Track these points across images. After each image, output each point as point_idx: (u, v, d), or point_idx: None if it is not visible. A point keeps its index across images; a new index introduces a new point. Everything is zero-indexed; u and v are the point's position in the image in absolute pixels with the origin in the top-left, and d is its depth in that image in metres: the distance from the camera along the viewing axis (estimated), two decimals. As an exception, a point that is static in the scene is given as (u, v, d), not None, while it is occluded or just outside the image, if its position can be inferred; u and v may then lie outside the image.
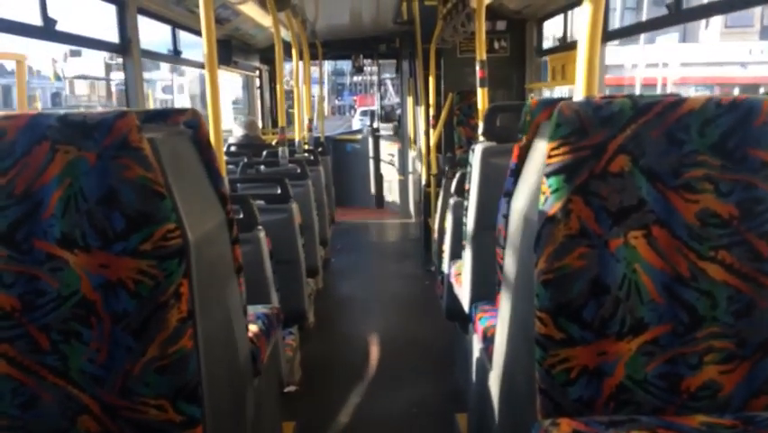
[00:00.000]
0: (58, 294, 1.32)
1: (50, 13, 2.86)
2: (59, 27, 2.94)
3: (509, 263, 1.66)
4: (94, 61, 38.01)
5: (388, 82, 11.57)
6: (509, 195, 1.69)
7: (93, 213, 1.30)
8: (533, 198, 1.46)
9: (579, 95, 1.66)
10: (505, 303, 1.70)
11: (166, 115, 1.59)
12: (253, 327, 2.13)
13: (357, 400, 3.55)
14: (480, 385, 2.16)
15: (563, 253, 1.32)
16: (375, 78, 11.28)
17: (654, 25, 3.35)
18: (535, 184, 1.44)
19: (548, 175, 1.33)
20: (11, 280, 1.33)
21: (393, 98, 13.93)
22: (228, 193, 1.77)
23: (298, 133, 5.69)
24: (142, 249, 1.31)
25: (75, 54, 37.80)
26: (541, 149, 1.46)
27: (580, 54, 1.68)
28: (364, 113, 28.06)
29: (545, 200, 1.33)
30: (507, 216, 1.71)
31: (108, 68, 38.87)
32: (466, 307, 2.82)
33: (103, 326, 1.33)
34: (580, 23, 1.67)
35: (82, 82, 39.32)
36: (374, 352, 4.28)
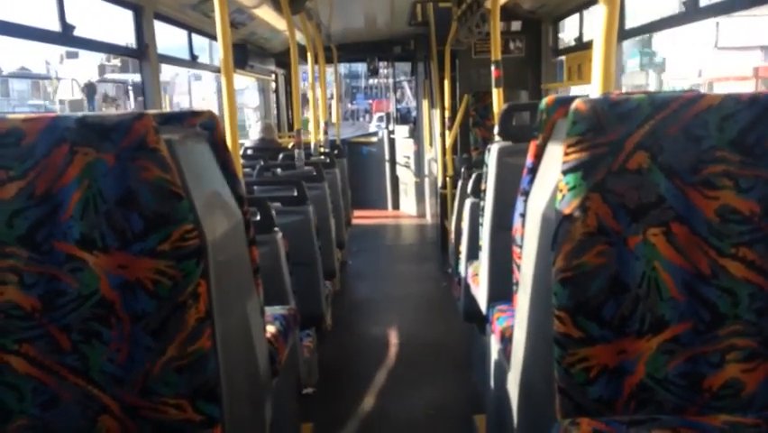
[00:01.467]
0: (78, 294, 1.34)
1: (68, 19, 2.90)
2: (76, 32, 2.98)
3: (527, 263, 1.65)
4: (90, 64, 36.97)
5: (405, 84, 11.54)
6: (526, 194, 1.68)
7: (111, 214, 1.31)
8: (550, 196, 1.45)
9: (595, 93, 1.65)
10: (522, 303, 1.69)
11: (183, 117, 1.60)
12: (271, 328, 2.13)
13: (374, 402, 3.55)
14: (499, 386, 2.15)
15: (581, 250, 1.31)
16: (391, 80, 11.27)
17: (672, 23, 3.32)
18: (552, 182, 1.43)
19: (565, 173, 1.32)
20: (31, 281, 1.34)
21: (411, 101, 13.87)
22: (245, 194, 1.77)
23: (314, 136, 5.71)
24: (160, 249, 1.31)
25: (71, 56, 36.97)
26: (557, 147, 1.45)
27: (596, 53, 1.67)
28: (381, 118, 27.73)
29: (563, 198, 1.32)
30: (523, 216, 1.70)
31: (102, 70, 37.78)
32: (483, 307, 2.81)
33: (122, 326, 1.34)
34: (596, 21, 1.66)
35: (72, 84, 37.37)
36: (391, 354, 4.28)
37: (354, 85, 40.49)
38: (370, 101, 38.96)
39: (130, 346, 1.35)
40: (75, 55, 36.43)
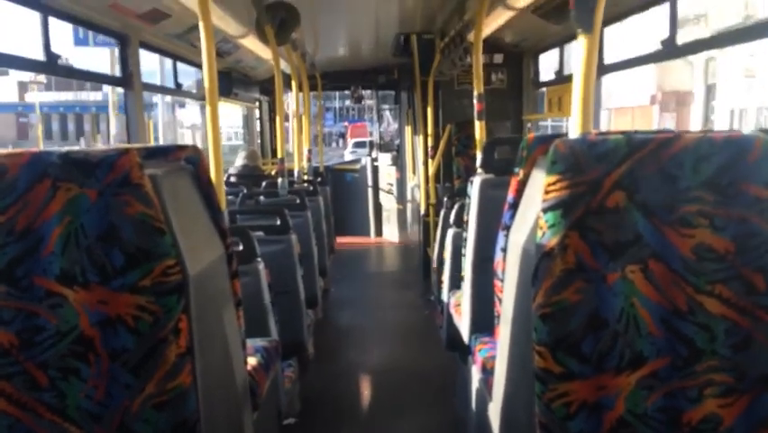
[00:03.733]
0: (56, 330, 1.33)
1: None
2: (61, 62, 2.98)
3: (508, 297, 1.66)
4: (8, 83, 34.15)
5: (388, 113, 11.63)
6: (507, 228, 1.70)
7: (92, 249, 1.31)
8: (530, 231, 1.47)
9: (574, 131, 1.68)
10: (504, 336, 1.70)
11: (167, 152, 1.61)
12: (252, 361, 2.12)
13: (356, 431, 3.52)
14: (480, 417, 2.15)
15: (561, 287, 1.32)
16: (370, 102, 11.33)
17: (649, 59, 3.40)
18: (532, 218, 1.45)
19: (545, 210, 1.35)
20: (9, 317, 1.33)
21: (391, 124, 13.88)
22: (228, 228, 1.78)
23: (298, 164, 5.72)
24: (141, 285, 1.31)
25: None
26: (538, 183, 1.48)
27: (575, 89, 1.71)
28: (358, 144, 25.86)
29: (542, 235, 1.34)
30: (505, 250, 1.72)
31: (23, 88, 34.70)
32: (466, 338, 2.81)
33: (101, 362, 1.33)
34: (576, 58, 1.70)
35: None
36: (374, 382, 4.26)
37: (327, 106, 37.19)
38: (346, 123, 37.44)
39: (108, 383, 1.33)
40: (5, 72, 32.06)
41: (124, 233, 1.31)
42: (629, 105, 24.79)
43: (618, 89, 23.14)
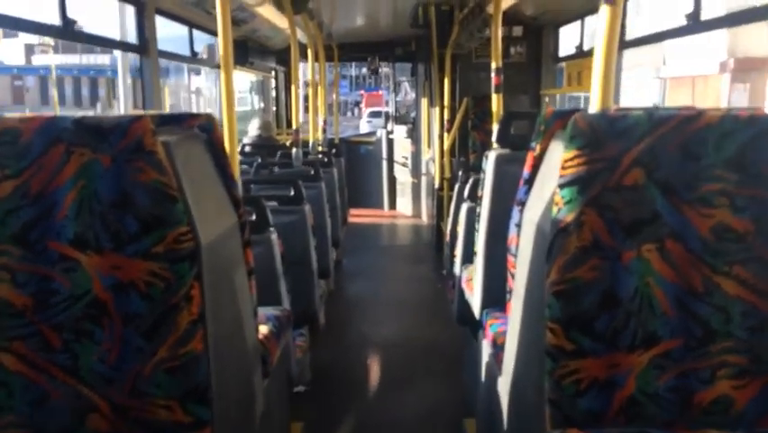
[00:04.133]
0: (70, 294, 1.34)
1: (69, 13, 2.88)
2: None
3: (521, 272, 1.65)
4: (14, 46, 32.01)
5: (406, 83, 11.51)
6: (522, 204, 1.68)
7: (106, 215, 1.31)
8: (546, 208, 1.46)
9: (594, 105, 1.65)
10: (515, 312, 1.70)
11: (181, 119, 1.60)
12: (263, 329, 2.13)
13: (366, 402, 3.56)
14: (489, 392, 2.15)
15: (575, 264, 1.31)
16: (387, 69, 11.22)
17: (673, 34, 3.33)
18: (548, 194, 1.44)
19: (561, 186, 1.33)
20: (24, 280, 1.34)
21: (409, 93, 13.66)
22: (241, 196, 1.77)
23: (312, 135, 5.70)
24: (155, 251, 1.31)
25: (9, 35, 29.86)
26: (555, 159, 1.46)
27: (596, 63, 1.67)
28: (374, 114, 24.93)
29: (558, 211, 1.33)
30: (519, 225, 1.70)
31: (30, 50, 32.86)
32: (477, 312, 2.81)
33: (114, 326, 1.34)
34: (598, 30, 1.66)
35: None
36: (384, 354, 4.29)
37: (342, 73, 35.89)
38: (362, 92, 36.75)
39: (121, 347, 1.35)
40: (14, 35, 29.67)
41: (138, 199, 1.31)
42: (692, 73, 19.76)
43: (678, 54, 19.35)
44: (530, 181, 1.65)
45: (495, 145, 2.81)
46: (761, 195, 1.31)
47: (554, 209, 1.34)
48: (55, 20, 2.84)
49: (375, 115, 24.11)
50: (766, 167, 1.31)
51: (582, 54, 5.16)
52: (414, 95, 10.40)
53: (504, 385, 1.85)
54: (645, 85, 20.75)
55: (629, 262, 1.31)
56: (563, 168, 1.33)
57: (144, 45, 3.60)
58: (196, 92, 31.54)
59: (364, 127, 22.32)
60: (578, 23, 5.22)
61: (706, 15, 2.91)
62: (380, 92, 31.10)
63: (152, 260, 1.32)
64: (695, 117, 1.32)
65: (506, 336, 1.84)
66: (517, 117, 2.86)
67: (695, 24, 2.95)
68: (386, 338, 4.56)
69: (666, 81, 21.28)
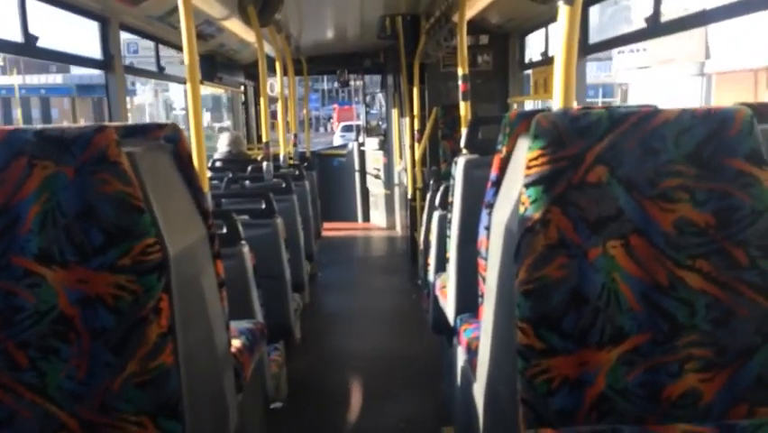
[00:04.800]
0: (35, 310, 1.31)
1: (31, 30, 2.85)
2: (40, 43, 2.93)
3: (491, 275, 1.66)
4: None
5: (380, 95, 11.56)
6: (490, 206, 1.69)
7: (71, 228, 1.29)
8: (513, 208, 1.47)
9: (556, 106, 1.67)
10: (487, 314, 1.70)
11: (146, 130, 1.59)
12: (236, 343, 2.11)
13: (344, 415, 3.53)
14: (465, 397, 2.15)
15: (543, 263, 1.32)
16: (359, 82, 11.22)
17: (633, 38, 3.40)
18: (516, 195, 1.45)
19: (527, 186, 1.34)
20: None
21: (383, 106, 13.67)
22: (209, 207, 1.76)
23: (283, 148, 5.69)
24: (121, 264, 1.30)
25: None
26: (520, 160, 1.47)
27: (557, 68, 1.70)
28: (347, 128, 24.46)
29: (525, 211, 1.34)
30: (488, 228, 1.71)
31: None
32: (451, 319, 2.81)
33: (81, 341, 1.31)
34: (558, 31, 1.69)
35: None
36: (361, 367, 4.26)
37: (314, 87, 34.79)
38: (335, 106, 36.38)
39: (89, 362, 1.32)
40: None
41: (102, 211, 1.29)
42: (751, 66, 15.97)
43: (727, 46, 16.14)
44: (497, 183, 1.66)
45: (464, 151, 2.83)
46: (720, 188, 1.33)
47: (521, 209, 1.35)
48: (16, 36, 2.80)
49: (348, 129, 23.82)
50: (724, 160, 1.33)
51: (547, 61, 5.23)
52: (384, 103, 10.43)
53: (479, 389, 1.85)
54: (682, 83, 18.00)
55: (595, 259, 1.33)
56: (528, 167, 1.34)
57: (109, 61, 3.56)
58: (138, 110, 29.40)
59: (338, 142, 21.93)
60: (542, 31, 5.30)
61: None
62: (352, 107, 30.93)
63: (119, 272, 1.30)
64: (653, 114, 1.35)
65: (479, 341, 1.84)
66: (484, 122, 2.88)
67: (655, 27, 3.01)
68: (363, 351, 4.54)
69: (712, 77, 18.04)
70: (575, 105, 1.69)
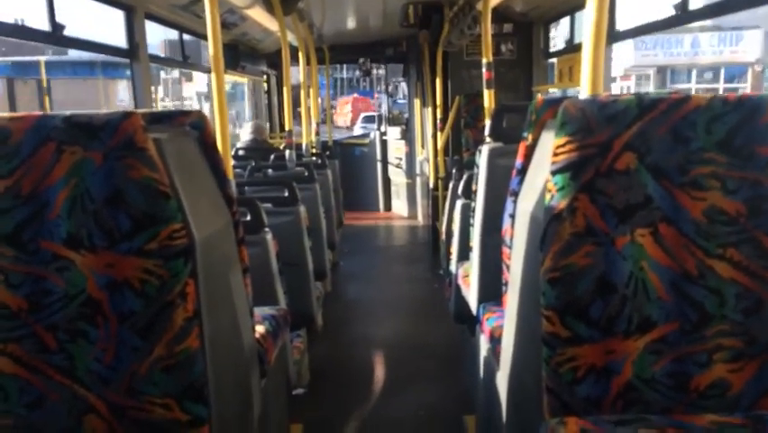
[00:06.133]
0: (64, 294, 1.33)
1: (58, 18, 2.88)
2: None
3: (516, 263, 1.65)
4: None
5: (404, 84, 11.52)
6: (515, 194, 1.68)
7: (99, 213, 1.31)
8: (539, 196, 1.46)
9: (584, 94, 1.65)
10: (512, 303, 1.70)
11: (172, 117, 1.60)
12: (260, 328, 2.13)
13: (365, 403, 3.55)
14: (488, 386, 2.15)
15: (569, 251, 1.31)
16: (382, 71, 11.16)
17: (663, 25, 3.34)
18: (541, 183, 1.44)
19: (554, 173, 1.33)
20: (18, 281, 1.33)
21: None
22: (234, 194, 1.77)
23: (306, 137, 5.70)
24: (148, 248, 1.31)
25: None
26: (546, 147, 1.46)
27: (585, 55, 1.68)
28: (368, 118, 23.38)
29: (551, 198, 1.33)
30: (513, 216, 1.70)
31: None
32: (474, 308, 2.81)
33: (109, 325, 1.33)
34: (585, 19, 1.67)
35: None
36: (382, 355, 4.28)
37: (334, 76, 34.09)
38: (356, 96, 35.94)
39: (117, 346, 1.34)
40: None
41: (130, 196, 1.30)
42: None
43: None
44: (523, 171, 1.65)
45: (488, 139, 2.82)
46: (751, 177, 1.31)
47: (547, 197, 1.34)
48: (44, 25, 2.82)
49: (370, 120, 22.49)
50: (756, 148, 1.31)
51: (573, 49, 5.17)
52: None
53: (502, 378, 1.84)
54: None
55: (623, 248, 1.31)
56: (555, 155, 1.33)
57: (134, 49, 3.59)
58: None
59: (358, 133, 21.26)
60: (567, 18, 5.24)
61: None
62: (367, 98, 29.84)
63: (146, 257, 1.31)
64: (684, 101, 1.33)
65: (502, 329, 1.83)
66: (509, 110, 2.86)
67: (684, 14, 2.96)
68: (384, 339, 4.55)
69: None
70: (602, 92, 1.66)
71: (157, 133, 1.39)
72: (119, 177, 1.30)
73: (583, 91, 1.66)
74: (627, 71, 23.40)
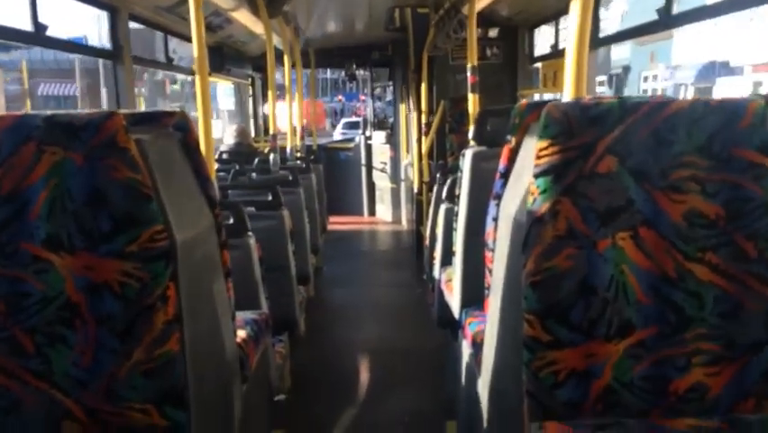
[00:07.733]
0: (43, 296, 1.31)
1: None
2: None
3: (498, 266, 1.65)
4: None
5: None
6: (498, 198, 1.68)
7: (79, 214, 1.29)
8: (522, 199, 1.46)
9: (567, 98, 1.66)
10: (493, 307, 1.69)
11: (155, 118, 1.58)
12: (242, 333, 2.11)
13: (347, 409, 3.53)
14: (470, 391, 2.15)
15: (551, 253, 1.31)
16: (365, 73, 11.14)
17: (644, 31, 3.37)
18: (524, 186, 1.44)
19: (536, 176, 1.33)
20: None
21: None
22: (217, 197, 1.75)
23: (290, 141, 5.68)
24: (128, 250, 1.29)
25: None
26: (530, 150, 1.46)
27: (568, 59, 1.69)
28: (350, 124, 22.24)
29: (534, 201, 1.33)
30: (496, 219, 1.70)
31: None
32: (456, 313, 2.81)
33: (87, 328, 1.31)
34: (570, 24, 1.68)
35: None
36: (365, 360, 4.27)
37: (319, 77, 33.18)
38: (340, 98, 35.54)
39: (95, 349, 1.32)
40: None
41: (111, 197, 1.29)
42: None
43: None
44: (506, 175, 1.65)
45: (471, 143, 2.82)
46: (731, 180, 1.32)
47: (530, 199, 1.34)
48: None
49: (352, 126, 21.28)
50: (735, 152, 1.32)
51: (557, 54, 5.20)
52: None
53: (483, 383, 1.84)
54: None
55: (604, 251, 1.32)
56: (538, 157, 1.33)
57: (118, 51, 3.56)
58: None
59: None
60: (552, 23, 5.27)
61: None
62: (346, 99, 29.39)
63: (126, 259, 1.30)
64: (665, 104, 1.33)
65: (484, 334, 1.83)
66: (493, 114, 2.86)
67: (667, 19, 2.98)
68: (367, 344, 4.54)
69: None
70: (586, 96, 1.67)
71: (139, 134, 1.38)
72: (100, 178, 1.29)
73: (566, 95, 1.67)
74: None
